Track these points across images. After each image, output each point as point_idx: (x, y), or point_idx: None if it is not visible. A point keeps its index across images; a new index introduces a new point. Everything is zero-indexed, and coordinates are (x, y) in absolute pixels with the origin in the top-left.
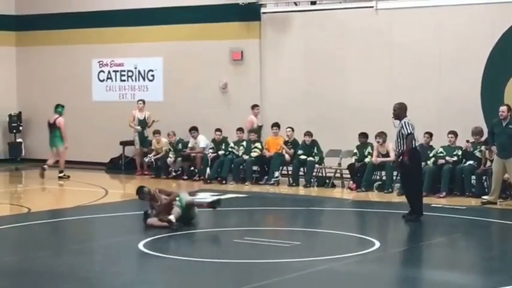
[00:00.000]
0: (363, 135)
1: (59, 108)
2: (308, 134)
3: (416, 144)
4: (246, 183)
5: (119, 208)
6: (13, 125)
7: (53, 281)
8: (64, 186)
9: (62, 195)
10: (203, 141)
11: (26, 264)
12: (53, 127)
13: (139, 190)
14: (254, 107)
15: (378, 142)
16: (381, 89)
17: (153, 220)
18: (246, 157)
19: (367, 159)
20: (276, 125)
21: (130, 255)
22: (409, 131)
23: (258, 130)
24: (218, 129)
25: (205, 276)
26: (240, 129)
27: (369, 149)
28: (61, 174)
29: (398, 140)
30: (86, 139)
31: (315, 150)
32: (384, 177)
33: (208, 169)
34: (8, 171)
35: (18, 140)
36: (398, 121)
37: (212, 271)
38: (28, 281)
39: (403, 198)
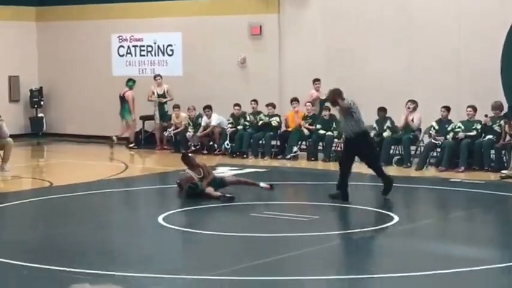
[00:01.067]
0: (382, 110)
1: (129, 82)
2: (326, 108)
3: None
4: (265, 158)
5: (139, 182)
6: (34, 100)
7: (74, 255)
8: (85, 160)
9: (83, 170)
10: (215, 119)
11: (48, 238)
12: (122, 100)
13: (186, 154)
14: (315, 81)
15: (409, 108)
16: (400, 63)
17: (210, 190)
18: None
19: (385, 134)
20: (295, 100)
21: (151, 228)
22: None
23: (318, 104)
24: (237, 104)
25: (224, 250)
26: (255, 101)
27: (388, 123)
28: (131, 145)
29: (351, 121)
30: (106, 114)
31: (334, 125)
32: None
33: (226, 143)
34: (30, 145)
35: (40, 114)
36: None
37: (231, 245)
38: (50, 255)
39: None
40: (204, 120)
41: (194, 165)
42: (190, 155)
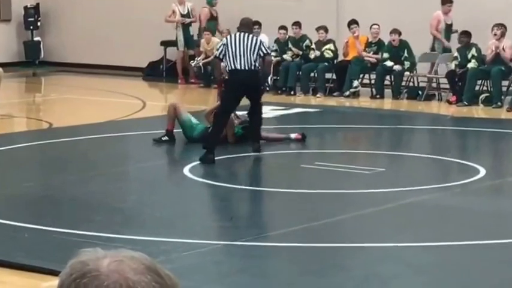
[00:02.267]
0: (466, 35)
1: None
2: (396, 32)
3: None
4: (318, 95)
5: (160, 124)
6: (29, 19)
7: (81, 211)
8: (93, 96)
9: (90, 108)
10: (265, 41)
11: (49, 190)
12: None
13: None
14: (445, 2)
15: (495, 35)
16: None
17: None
18: (316, 53)
19: (470, 65)
20: (355, 22)
21: (174, 181)
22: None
23: (447, 32)
24: (283, 27)
25: (266, 210)
26: (297, 24)
27: (473, 51)
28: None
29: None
30: (119, 39)
31: (405, 54)
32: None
33: (270, 77)
34: (24, 76)
35: (36, 38)
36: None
37: (274, 203)
38: (52, 210)
39: None
40: None
41: None
42: None
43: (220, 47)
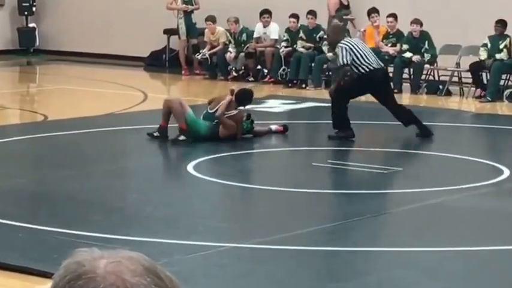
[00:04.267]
0: (501, 24)
1: None
2: (416, 22)
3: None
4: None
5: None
6: (24, 4)
7: (77, 209)
8: (91, 87)
9: (88, 100)
10: (275, 31)
11: (44, 187)
12: None
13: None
14: None
15: None
16: None
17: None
18: (329, 55)
19: (499, 55)
20: (375, 10)
21: (177, 179)
22: (344, 61)
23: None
24: (294, 15)
25: (275, 210)
26: (311, 13)
27: (507, 41)
28: None
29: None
30: (119, 26)
31: (426, 46)
32: None
33: (282, 69)
34: (18, 65)
35: (31, 25)
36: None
37: (284, 203)
38: (47, 208)
39: None
40: (258, 31)
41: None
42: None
43: (343, 53)
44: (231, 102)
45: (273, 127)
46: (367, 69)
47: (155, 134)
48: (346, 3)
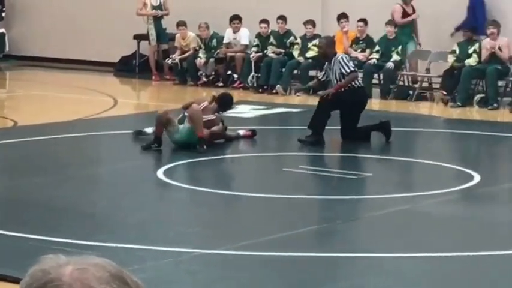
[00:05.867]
0: (470, 29)
1: None
2: (391, 23)
3: (360, 83)
4: (300, 93)
5: (132, 123)
6: None
7: (48, 216)
8: (61, 93)
9: (57, 105)
10: (245, 36)
11: (14, 194)
12: None
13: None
14: None
15: (491, 34)
16: None
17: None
18: (300, 59)
19: (469, 60)
20: (344, 16)
21: (148, 185)
22: (351, 68)
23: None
24: (264, 20)
25: (246, 216)
26: (282, 18)
27: (476, 46)
28: None
29: (337, 82)
30: (89, 31)
31: (398, 49)
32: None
33: (251, 75)
34: None
35: (0, 30)
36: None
37: (255, 209)
38: (17, 215)
39: None
40: (228, 36)
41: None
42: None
43: (345, 62)
44: (208, 107)
45: (241, 132)
46: (359, 85)
47: (153, 147)
48: (410, 12)
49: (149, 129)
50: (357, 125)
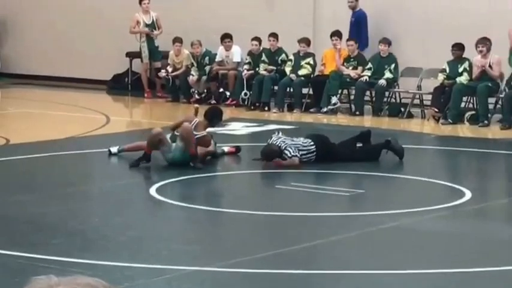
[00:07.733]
0: (458, 47)
1: None
2: (385, 42)
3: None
4: (294, 111)
5: (125, 140)
6: None
7: (38, 233)
8: (53, 111)
9: (50, 123)
10: (237, 54)
11: (5, 211)
12: None
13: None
14: None
15: (481, 52)
16: None
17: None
18: (293, 76)
19: (460, 78)
20: (337, 33)
21: (139, 202)
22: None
23: None
24: (256, 38)
25: (238, 233)
26: (273, 36)
27: (466, 65)
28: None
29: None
30: (82, 50)
31: (391, 68)
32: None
33: (244, 93)
34: None
35: None
36: None
37: (247, 226)
38: (7, 232)
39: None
40: (220, 54)
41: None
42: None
43: None
44: (200, 123)
45: (226, 148)
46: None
47: (142, 164)
48: None
49: (114, 148)
50: (350, 151)
